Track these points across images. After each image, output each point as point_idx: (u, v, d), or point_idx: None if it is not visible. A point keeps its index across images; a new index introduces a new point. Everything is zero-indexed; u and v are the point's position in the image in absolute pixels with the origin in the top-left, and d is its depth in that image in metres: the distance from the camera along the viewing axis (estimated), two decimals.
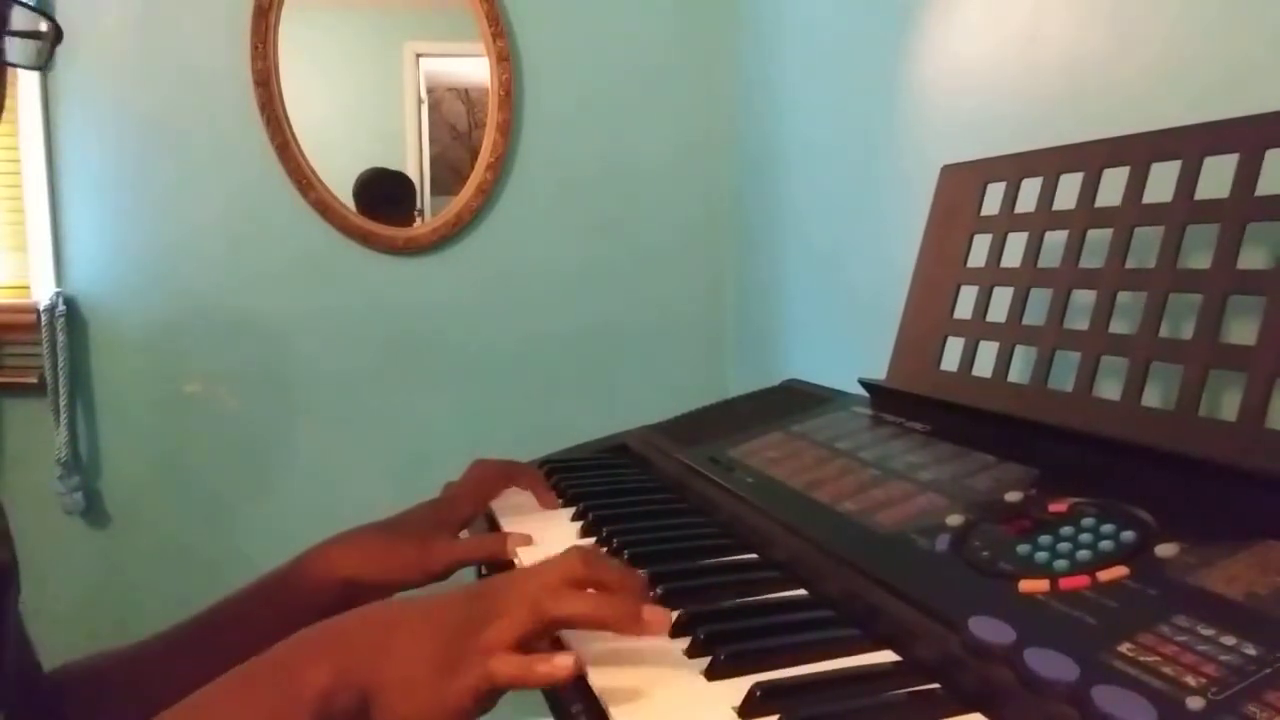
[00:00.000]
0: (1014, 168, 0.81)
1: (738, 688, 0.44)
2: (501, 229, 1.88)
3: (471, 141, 1.88)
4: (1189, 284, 0.61)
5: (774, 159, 1.73)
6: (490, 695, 0.45)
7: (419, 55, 1.86)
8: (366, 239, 1.83)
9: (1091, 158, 0.73)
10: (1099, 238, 0.70)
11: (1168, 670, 0.38)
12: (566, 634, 0.50)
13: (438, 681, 0.45)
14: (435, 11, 1.90)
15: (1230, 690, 0.36)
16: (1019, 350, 0.76)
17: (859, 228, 1.40)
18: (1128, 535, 0.49)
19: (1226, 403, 0.59)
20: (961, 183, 0.87)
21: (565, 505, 0.81)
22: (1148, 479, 0.54)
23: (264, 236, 1.80)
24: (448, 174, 1.88)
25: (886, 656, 0.48)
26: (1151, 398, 0.63)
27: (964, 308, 0.83)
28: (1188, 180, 0.63)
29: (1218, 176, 0.61)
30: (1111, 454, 0.59)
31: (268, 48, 1.73)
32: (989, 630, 0.43)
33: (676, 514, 0.76)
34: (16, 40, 0.55)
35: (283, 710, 0.45)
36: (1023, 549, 0.51)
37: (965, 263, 0.84)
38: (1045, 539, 0.51)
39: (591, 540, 0.71)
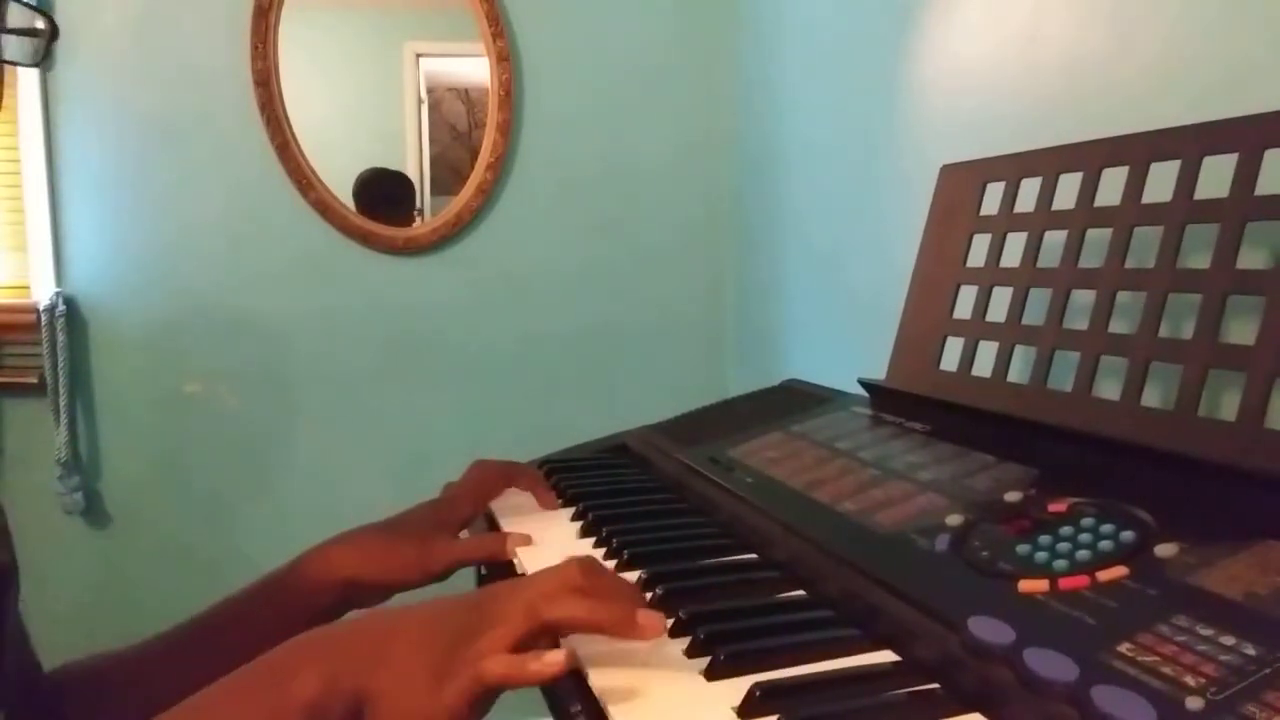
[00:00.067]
0: (1014, 168, 0.81)
1: (737, 688, 0.44)
2: (501, 229, 1.88)
3: (471, 141, 1.88)
4: (1188, 284, 0.61)
5: (774, 159, 1.73)
6: (485, 697, 0.45)
7: (419, 55, 1.86)
8: (366, 239, 1.83)
9: (1091, 158, 0.73)
10: (1098, 237, 0.70)
11: (1167, 670, 0.38)
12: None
13: (432, 687, 0.45)
14: (435, 11, 1.90)
15: (1230, 690, 0.36)
16: (1018, 350, 0.76)
17: (859, 228, 1.40)
18: (1127, 535, 0.49)
19: (1226, 403, 0.59)
20: (961, 183, 0.87)
21: (565, 505, 0.81)
22: (1147, 479, 0.54)
23: (264, 236, 1.80)
24: (448, 174, 1.88)
25: (886, 656, 0.48)
26: (1151, 398, 0.63)
27: (964, 308, 0.83)
28: (1187, 180, 0.63)
29: (1217, 176, 0.61)
30: (1111, 454, 0.59)
31: (268, 48, 1.73)
32: (988, 630, 0.43)
33: (676, 514, 0.76)
34: (13, 38, 0.55)
35: (274, 717, 0.45)
36: (1022, 549, 0.51)
37: (965, 263, 0.84)
38: (1045, 539, 0.51)
39: (591, 540, 0.71)
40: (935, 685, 0.44)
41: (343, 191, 1.82)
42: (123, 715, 0.62)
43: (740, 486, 0.73)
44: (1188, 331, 0.60)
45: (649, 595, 0.56)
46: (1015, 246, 0.78)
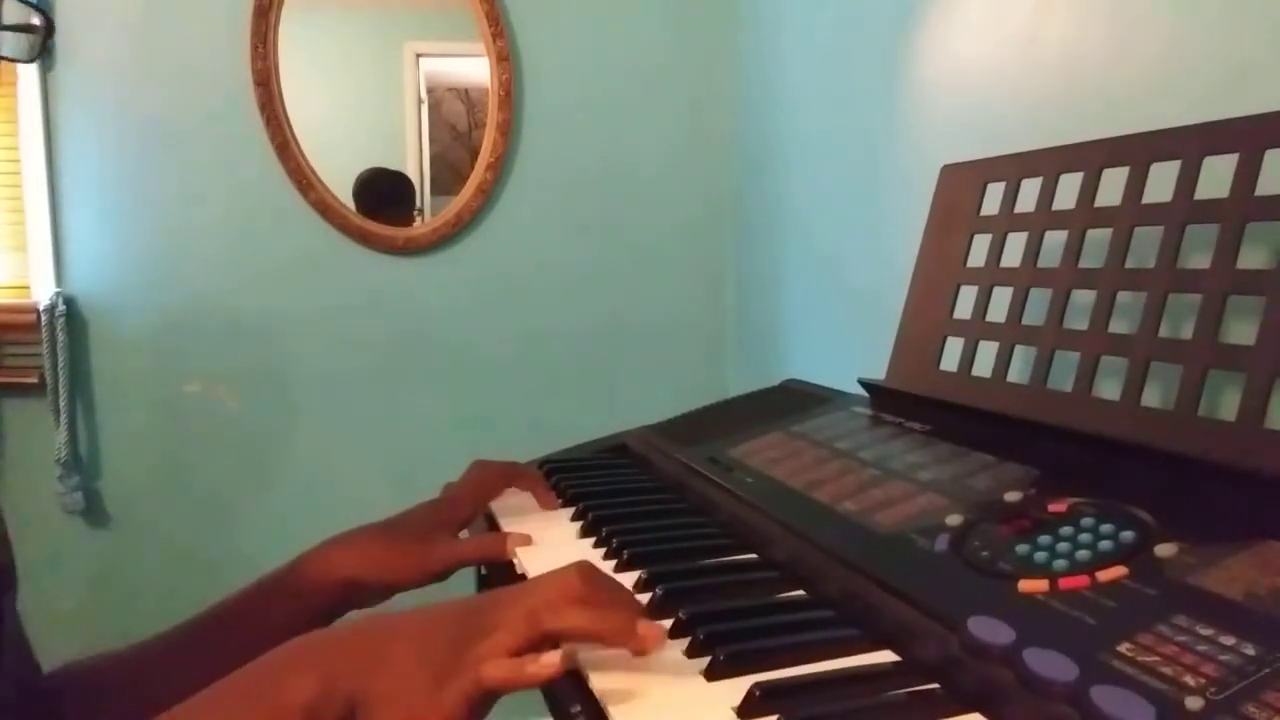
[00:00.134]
0: (1014, 168, 0.81)
1: (737, 688, 0.44)
2: (501, 229, 1.88)
3: (471, 141, 1.88)
4: (1188, 284, 0.61)
5: (774, 158, 1.73)
6: (483, 701, 0.45)
7: (419, 55, 1.86)
8: (366, 239, 1.83)
9: (1091, 158, 0.73)
10: (1098, 238, 0.70)
11: (1167, 670, 0.38)
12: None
13: (431, 690, 0.45)
14: (435, 11, 1.90)
15: (1229, 690, 0.36)
16: (1018, 350, 0.76)
17: (859, 228, 1.40)
18: (1127, 535, 0.49)
19: (1226, 403, 0.59)
20: (961, 182, 0.87)
21: (565, 505, 0.81)
22: (1147, 479, 0.54)
23: (264, 236, 1.80)
24: (448, 174, 1.88)
25: (886, 656, 0.48)
26: (1151, 398, 0.63)
27: (964, 307, 0.83)
28: (1187, 180, 0.63)
29: (1217, 176, 0.61)
30: (1111, 454, 0.59)
31: (268, 48, 1.73)
32: (988, 630, 0.43)
33: (676, 514, 0.76)
34: (9, 34, 0.55)
35: None
36: (1022, 549, 0.51)
37: (965, 262, 0.84)
38: (1044, 539, 0.51)
39: (591, 540, 0.71)
40: (935, 685, 0.44)
41: (343, 191, 1.82)
42: (122, 716, 0.62)
43: (740, 486, 0.73)
44: (1188, 331, 0.60)
45: (649, 595, 0.56)
46: (1015, 246, 0.78)
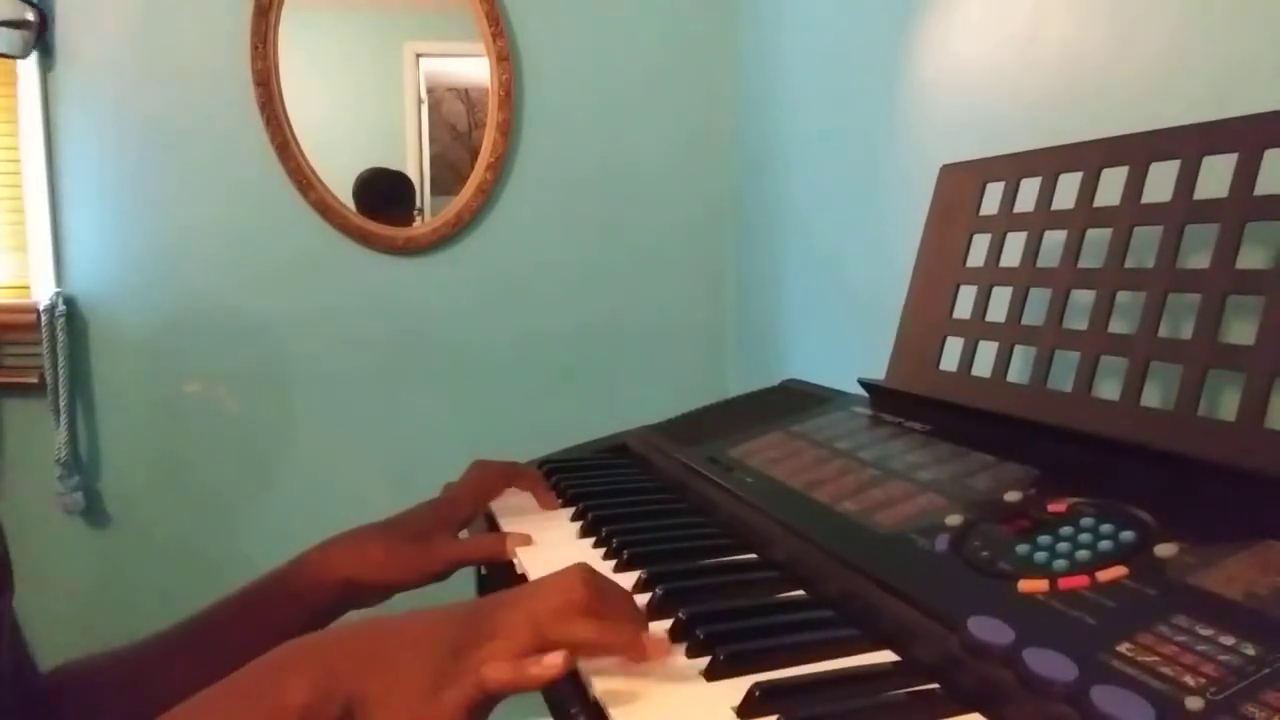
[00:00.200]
0: (1013, 168, 0.81)
1: (737, 688, 0.44)
2: (501, 229, 1.88)
3: (471, 141, 1.88)
4: (1188, 284, 0.61)
5: (774, 158, 1.73)
6: (484, 705, 0.45)
7: (419, 55, 1.86)
8: (366, 239, 1.83)
9: (1090, 158, 0.73)
10: (1098, 238, 0.70)
11: (1166, 670, 0.38)
12: None
13: (431, 692, 0.44)
14: (435, 11, 1.90)
15: (1229, 690, 0.36)
16: (1018, 350, 0.76)
17: (859, 228, 1.40)
18: (1127, 535, 0.49)
19: (1226, 403, 0.59)
20: (961, 182, 0.87)
21: (565, 505, 0.81)
22: (1147, 479, 0.54)
23: (264, 236, 1.80)
24: (448, 174, 1.88)
25: (886, 656, 0.48)
26: (1151, 398, 0.63)
27: (963, 308, 0.83)
28: (1187, 180, 0.63)
29: (1217, 176, 0.61)
30: (1111, 454, 0.59)
31: (268, 48, 1.73)
32: (988, 630, 0.43)
33: (676, 514, 0.76)
34: (2, 30, 0.55)
35: None
36: (1022, 549, 0.51)
37: (964, 262, 0.84)
38: (1044, 539, 0.51)
39: (591, 540, 0.71)
40: (935, 685, 0.44)
41: (343, 191, 1.82)
42: (120, 715, 0.62)
43: (740, 486, 0.73)
44: (1188, 331, 0.60)
45: (649, 595, 0.56)
46: (1015, 246, 0.78)
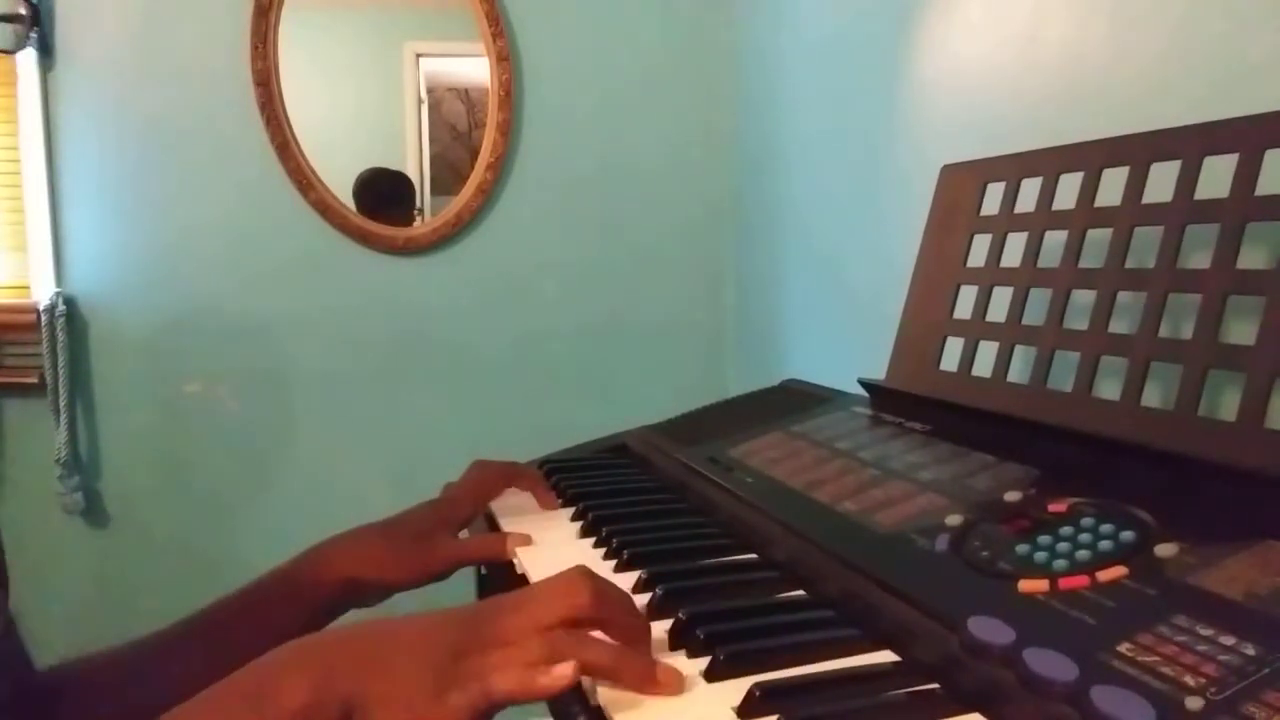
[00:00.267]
0: (1014, 168, 0.81)
1: (737, 688, 0.44)
2: (501, 229, 1.88)
3: (471, 141, 1.88)
4: (1188, 284, 0.61)
5: (774, 158, 1.73)
6: (488, 713, 0.44)
7: (419, 55, 1.86)
8: (366, 239, 1.83)
9: (1091, 158, 0.73)
10: (1099, 238, 0.70)
11: (1167, 670, 0.38)
12: None
13: (435, 696, 0.44)
14: (435, 11, 1.90)
15: (1229, 690, 0.36)
16: (1018, 350, 0.76)
17: (859, 228, 1.40)
18: (1127, 535, 0.49)
19: (1226, 402, 0.59)
20: (961, 182, 0.87)
21: (565, 505, 0.81)
22: (1147, 479, 0.54)
23: (264, 236, 1.80)
24: (448, 174, 1.88)
25: (886, 656, 0.48)
26: (1151, 398, 0.63)
27: (963, 308, 0.83)
28: (1187, 180, 0.63)
29: (1217, 176, 0.61)
30: (1111, 454, 0.59)
31: (268, 48, 1.73)
32: (988, 630, 0.43)
33: (676, 514, 0.76)
34: None
35: None
36: (1022, 549, 0.51)
37: (965, 263, 0.84)
38: (1044, 539, 0.51)
39: (591, 540, 0.71)
40: (935, 685, 0.44)
41: (343, 191, 1.82)
42: (118, 714, 0.62)
43: (740, 486, 0.73)
44: (1188, 331, 0.60)
45: (648, 595, 0.56)
46: (1015, 246, 0.78)
